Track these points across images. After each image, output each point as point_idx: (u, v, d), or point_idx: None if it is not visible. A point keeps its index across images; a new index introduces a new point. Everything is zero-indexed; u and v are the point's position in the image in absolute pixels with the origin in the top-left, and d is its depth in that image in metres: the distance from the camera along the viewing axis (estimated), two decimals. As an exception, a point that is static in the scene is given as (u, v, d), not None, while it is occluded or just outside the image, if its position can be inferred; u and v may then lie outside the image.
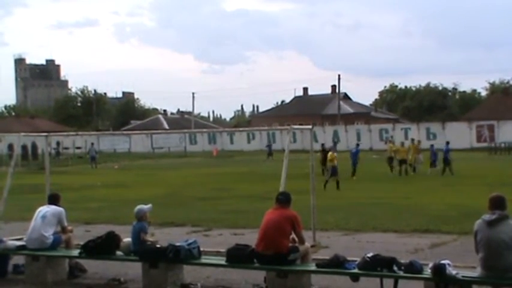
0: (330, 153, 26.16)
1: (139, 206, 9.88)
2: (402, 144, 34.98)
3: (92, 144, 54.31)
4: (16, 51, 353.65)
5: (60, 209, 10.35)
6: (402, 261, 8.16)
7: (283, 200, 8.98)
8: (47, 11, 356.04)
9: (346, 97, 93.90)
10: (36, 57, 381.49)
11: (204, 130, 71.18)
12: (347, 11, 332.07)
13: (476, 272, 7.62)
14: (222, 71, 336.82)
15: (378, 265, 8.05)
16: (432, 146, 34.61)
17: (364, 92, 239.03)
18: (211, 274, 9.96)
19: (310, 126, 13.46)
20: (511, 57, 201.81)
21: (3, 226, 12.93)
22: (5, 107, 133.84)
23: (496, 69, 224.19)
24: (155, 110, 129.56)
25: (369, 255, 8.23)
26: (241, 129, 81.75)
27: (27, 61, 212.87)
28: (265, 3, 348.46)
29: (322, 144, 35.27)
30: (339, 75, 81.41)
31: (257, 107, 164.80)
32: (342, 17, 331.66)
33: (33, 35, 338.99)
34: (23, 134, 16.04)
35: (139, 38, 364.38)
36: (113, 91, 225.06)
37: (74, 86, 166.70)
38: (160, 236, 13.19)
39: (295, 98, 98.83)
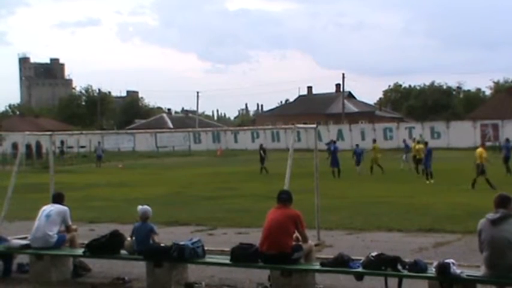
0: (479, 149, 25.99)
1: (144, 207, 9.84)
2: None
3: (99, 143, 54.35)
4: (19, 50, 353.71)
5: (65, 208, 10.37)
6: (406, 260, 8.15)
7: (286, 198, 8.98)
8: (50, 10, 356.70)
9: (350, 96, 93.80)
10: (40, 57, 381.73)
11: (209, 129, 71.26)
12: (350, 10, 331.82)
13: (480, 271, 7.61)
14: (225, 70, 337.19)
15: (382, 264, 8.04)
16: (357, 145, 35.00)
17: (369, 91, 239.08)
18: (215, 273, 9.95)
19: (314, 125, 13.43)
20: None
21: (8, 225, 12.97)
22: (10, 106, 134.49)
23: (500, 69, 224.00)
24: (159, 109, 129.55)
25: (373, 254, 8.23)
26: (245, 128, 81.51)
27: (32, 60, 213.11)
28: (268, 2, 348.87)
29: (261, 145, 36.47)
30: (343, 74, 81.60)
31: (261, 106, 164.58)
32: (345, 16, 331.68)
33: (36, 34, 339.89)
34: (27, 133, 16.06)
35: (142, 38, 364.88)
36: (117, 90, 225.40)
37: (78, 85, 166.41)
38: (165, 235, 13.21)
39: (300, 97, 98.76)
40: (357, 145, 35.96)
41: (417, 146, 32.42)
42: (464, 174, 29.38)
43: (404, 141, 39.97)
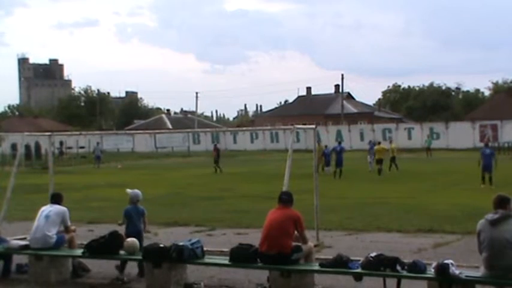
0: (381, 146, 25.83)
1: (134, 190, 10.38)
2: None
3: (98, 143, 54.22)
4: (17, 51, 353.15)
5: (64, 208, 10.37)
6: (405, 260, 8.16)
7: (286, 199, 8.99)
8: (48, 11, 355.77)
9: (349, 97, 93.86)
10: (39, 57, 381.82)
11: (208, 130, 70.91)
12: (348, 11, 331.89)
13: (479, 272, 7.62)
14: (224, 70, 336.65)
15: (381, 265, 8.04)
16: (326, 146, 35.27)
17: (368, 92, 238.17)
18: (214, 274, 9.96)
19: (313, 126, 13.43)
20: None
21: (7, 226, 12.96)
22: (9, 106, 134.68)
23: (499, 69, 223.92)
24: (158, 110, 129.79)
25: (372, 254, 8.23)
26: (244, 128, 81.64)
27: (31, 61, 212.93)
28: (266, 3, 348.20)
29: (215, 144, 37.85)
30: (342, 75, 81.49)
31: (260, 106, 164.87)
32: (343, 17, 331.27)
33: (34, 35, 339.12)
34: (26, 133, 16.06)
35: (140, 38, 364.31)
36: (116, 91, 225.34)
37: (77, 86, 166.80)
38: (164, 236, 13.25)
39: (299, 97, 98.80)
40: (326, 145, 36.35)
41: (377, 147, 33.07)
42: (463, 174, 29.43)
43: (370, 142, 40.74)
